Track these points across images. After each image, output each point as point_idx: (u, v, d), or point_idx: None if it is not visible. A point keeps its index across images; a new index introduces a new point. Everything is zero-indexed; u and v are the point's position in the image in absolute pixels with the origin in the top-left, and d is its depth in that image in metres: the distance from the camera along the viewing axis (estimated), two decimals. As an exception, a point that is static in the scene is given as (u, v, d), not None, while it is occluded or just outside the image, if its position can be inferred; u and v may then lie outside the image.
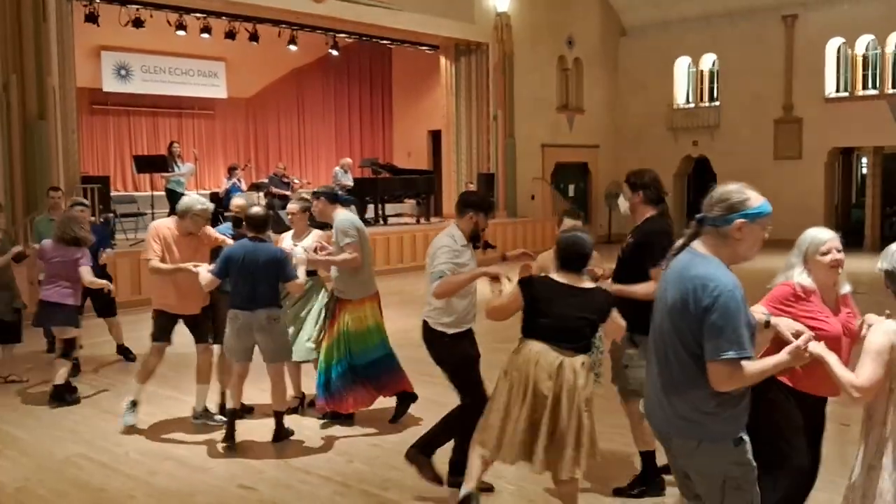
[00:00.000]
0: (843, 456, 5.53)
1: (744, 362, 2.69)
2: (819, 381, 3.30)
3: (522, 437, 3.85)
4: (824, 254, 3.40)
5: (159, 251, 5.93)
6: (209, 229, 6.22)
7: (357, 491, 4.85)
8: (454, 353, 4.69)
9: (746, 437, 2.86)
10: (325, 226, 6.43)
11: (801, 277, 3.42)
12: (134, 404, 6.07)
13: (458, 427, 4.64)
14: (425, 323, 4.75)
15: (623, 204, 4.73)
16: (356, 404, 6.05)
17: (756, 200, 2.78)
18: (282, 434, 5.75)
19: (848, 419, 6.15)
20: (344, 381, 5.90)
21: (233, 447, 5.56)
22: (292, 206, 6.39)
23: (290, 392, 6.28)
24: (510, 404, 3.89)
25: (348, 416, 6.13)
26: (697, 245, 2.84)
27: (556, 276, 3.98)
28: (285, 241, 6.35)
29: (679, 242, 2.93)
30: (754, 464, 2.87)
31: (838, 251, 3.40)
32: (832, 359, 2.83)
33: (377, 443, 5.74)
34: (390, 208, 17.82)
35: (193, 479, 5.11)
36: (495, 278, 4.36)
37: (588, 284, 4.00)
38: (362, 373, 5.94)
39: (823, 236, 3.45)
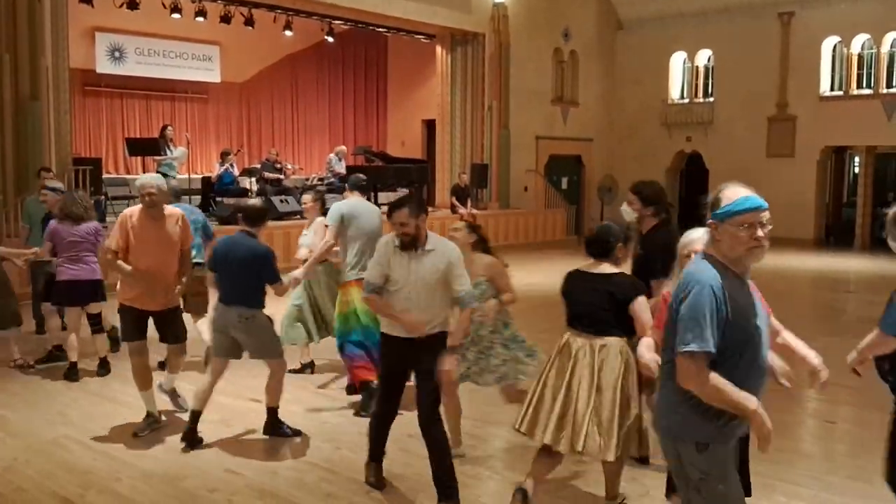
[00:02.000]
0: (829, 453, 5.59)
1: (713, 375, 2.66)
2: None
3: (567, 419, 4.00)
4: (687, 256, 3.50)
5: (122, 243, 5.45)
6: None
7: (344, 478, 4.86)
8: None
9: (715, 447, 2.78)
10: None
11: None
12: (149, 416, 5.66)
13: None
14: None
15: (629, 213, 5.06)
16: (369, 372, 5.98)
17: (726, 200, 2.72)
18: (275, 428, 5.53)
19: (834, 416, 6.21)
20: (359, 349, 5.98)
21: (192, 446, 5.29)
22: (306, 197, 6.82)
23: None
24: (556, 389, 4.05)
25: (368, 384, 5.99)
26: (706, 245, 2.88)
27: (582, 266, 4.26)
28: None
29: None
30: (719, 478, 2.78)
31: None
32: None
33: (365, 430, 5.72)
34: (383, 197, 17.78)
35: (180, 462, 5.10)
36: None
37: (608, 269, 4.17)
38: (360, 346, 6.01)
39: (693, 235, 3.56)
